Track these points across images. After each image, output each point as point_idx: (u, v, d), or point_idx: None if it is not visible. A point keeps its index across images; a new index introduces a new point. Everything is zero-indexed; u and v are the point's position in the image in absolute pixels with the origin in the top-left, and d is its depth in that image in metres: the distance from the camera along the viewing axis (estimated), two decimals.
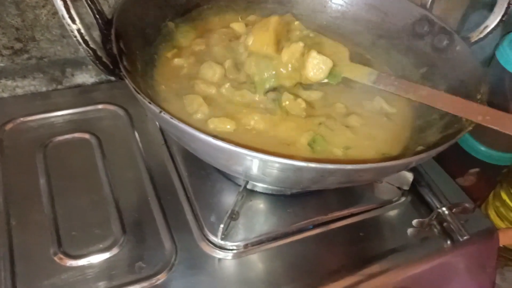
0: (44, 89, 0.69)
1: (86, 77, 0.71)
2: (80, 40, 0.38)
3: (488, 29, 0.52)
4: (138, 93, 0.38)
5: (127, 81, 0.39)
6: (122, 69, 0.41)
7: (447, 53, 0.55)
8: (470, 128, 0.42)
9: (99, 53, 0.39)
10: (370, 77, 0.52)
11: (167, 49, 0.56)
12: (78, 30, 0.37)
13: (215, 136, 0.36)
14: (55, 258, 0.47)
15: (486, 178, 0.78)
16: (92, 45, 0.38)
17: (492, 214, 0.73)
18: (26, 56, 0.65)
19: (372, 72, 0.53)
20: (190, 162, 0.57)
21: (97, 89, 0.68)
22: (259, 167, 0.38)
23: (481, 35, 0.52)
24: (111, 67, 0.40)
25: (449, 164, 0.64)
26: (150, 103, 0.37)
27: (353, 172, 0.36)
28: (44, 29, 0.64)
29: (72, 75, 0.70)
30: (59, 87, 0.70)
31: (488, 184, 0.78)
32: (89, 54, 0.38)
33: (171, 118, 0.37)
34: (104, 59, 0.40)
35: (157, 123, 0.62)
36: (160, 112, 0.37)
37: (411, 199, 0.58)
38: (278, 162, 0.35)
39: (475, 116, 0.42)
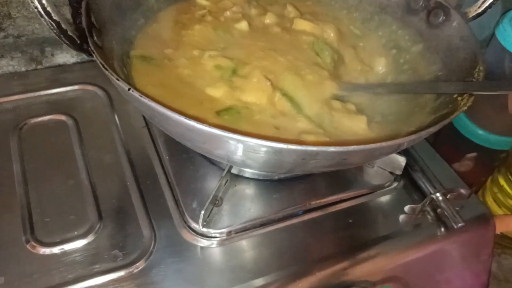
0: (23, 69, 0.66)
1: (67, 56, 0.68)
2: (42, 12, 0.35)
3: (487, 3, 0.49)
4: (106, 69, 0.35)
5: (94, 56, 0.37)
6: (91, 44, 0.38)
7: (443, 29, 0.52)
8: (465, 108, 0.39)
9: (63, 25, 0.36)
10: None
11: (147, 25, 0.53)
12: (39, 1, 0.34)
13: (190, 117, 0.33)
14: (28, 246, 0.44)
15: (483, 163, 0.76)
16: (55, 17, 0.35)
17: (490, 201, 0.71)
18: (2, 34, 0.63)
19: None
20: (172, 146, 0.54)
21: (77, 69, 0.65)
22: (238, 149, 0.35)
23: (479, 10, 0.49)
24: (79, 41, 0.37)
25: (444, 149, 0.62)
26: (118, 79, 0.35)
27: (336, 154, 0.34)
28: (20, 5, 0.61)
29: (52, 54, 0.67)
30: (39, 67, 0.67)
31: (485, 169, 0.75)
32: (52, 27, 0.35)
33: (141, 96, 0.34)
34: (70, 33, 0.37)
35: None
36: (129, 89, 0.34)
37: (404, 184, 0.55)
38: (256, 144, 0.33)
39: None
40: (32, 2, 0.34)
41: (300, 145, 0.32)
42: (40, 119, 0.56)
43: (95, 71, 0.64)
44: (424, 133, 0.35)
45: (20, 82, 0.61)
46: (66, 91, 0.60)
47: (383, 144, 0.34)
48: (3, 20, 0.61)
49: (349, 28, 0.59)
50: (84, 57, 0.69)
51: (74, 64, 0.68)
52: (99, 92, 0.60)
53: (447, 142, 0.77)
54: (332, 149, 0.32)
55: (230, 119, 0.44)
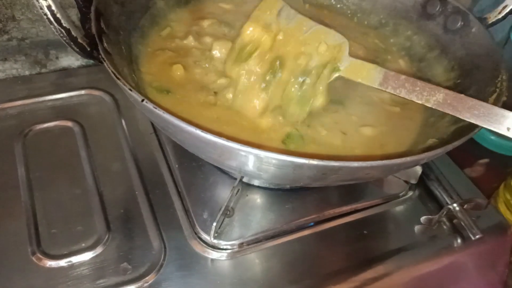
0: (27, 72, 0.65)
1: (71, 59, 0.67)
2: (51, 18, 0.33)
3: (508, 9, 0.47)
4: (118, 78, 0.34)
5: (106, 65, 0.35)
6: (101, 51, 0.36)
7: (461, 35, 0.50)
8: None
9: (73, 33, 0.34)
10: (375, 78, 0.43)
11: (158, 29, 0.52)
12: (49, 7, 0.33)
13: (206, 130, 0.32)
14: (33, 258, 0.43)
15: (495, 169, 0.74)
16: (65, 24, 0.34)
17: (502, 207, 0.69)
18: (6, 37, 0.61)
19: (378, 70, 0.43)
20: (181, 153, 0.53)
21: (83, 73, 0.64)
22: (254, 163, 0.34)
23: (500, 16, 0.48)
24: (89, 49, 0.36)
25: (456, 154, 0.60)
26: (131, 90, 0.33)
27: (359, 170, 0.32)
28: (25, 7, 0.59)
29: (57, 57, 0.66)
30: (43, 70, 0.66)
31: (497, 175, 0.73)
32: (61, 35, 0.34)
33: (155, 108, 0.32)
34: (80, 40, 0.35)
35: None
36: (143, 100, 0.33)
37: (419, 193, 0.54)
38: (276, 159, 0.31)
39: (504, 128, 0.36)
40: (41, 9, 0.32)
41: (322, 161, 0.30)
42: (45, 125, 0.54)
43: (100, 75, 0.62)
44: (450, 147, 0.34)
45: (24, 87, 0.60)
46: (72, 96, 0.59)
47: (408, 158, 0.32)
48: (7, 22, 0.60)
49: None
50: (89, 60, 0.68)
51: (79, 67, 0.67)
52: (106, 97, 0.59)
53: (459, 147, 0.75)
54: (355, 164, 0.31)
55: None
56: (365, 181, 0.50)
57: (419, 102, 0.40)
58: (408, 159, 0.33)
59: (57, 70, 0.66)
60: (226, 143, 0.31)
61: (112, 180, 0.50)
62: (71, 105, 0.58)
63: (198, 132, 0.32)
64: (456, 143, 0.35)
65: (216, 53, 0.50)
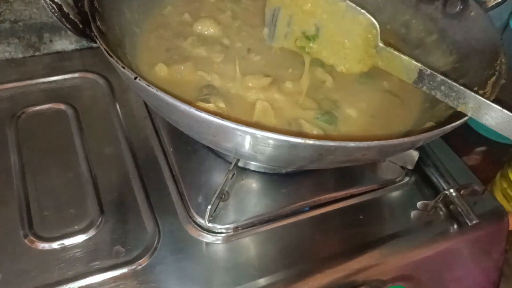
0: (20, 55, 0.64)
1: (65, 43, 0.66)
2: None
3: None
4: (111, 56, 0.33)
5: (98, 42, 0.34)
6: (94, 29, 0.35)
7: (460, 19, 0.49)
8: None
9: (65, 9, 0.34)
10: (410, 75, 0.40)
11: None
12: None
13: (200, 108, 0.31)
14: (26, 241, 0.43)
15: (492, 158, 0.74)
16: (57, 0, 0.33)
17: (499, 196, 0.69)
18: None
19: (413, 67, 0.40)
20: (176, 137, 0.52)
21: (77, 56, 0.63)
22: (249, 143, 0.33)
23: (499, 0, 0.47)
24: (81, 26, 0.35)
25: (453, 142, 0.60)
26: (124, 67, 0.32)
27: (355, 150, 0.32)
28: None
29: (51, 41, 0.65)
30: (37, 53, 0.65)
31: (494, 163, 0.73)
32: (53, 10, 0.33)
33: (148, 86, 0.32)
34: (72, 17, 0.34)
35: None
36: (136, 78, 0.32)
37: (416, 179, 0.53)
38: (271, 138, 0.31)
39: None
40: None
41: (318, 140, 0.30)
42: (38, 108, 0.54)
43: (95, 58, 0.62)
44: (448, 128, 0.33)
45: (17, 70, 0.59)
46: (65, 79, 0.58)
47: (405, 139, 0.32)
48: (0, 4, 0.58)
49: None
50: (84, 44, 0.67)
51: (73, 51, 0.66)
52: (100, 80, 0.58)
53: (455, 134, 0.75)
54: (352, 144, 0.30)
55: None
56: (362, 163, 0.49)
57: (454, 106, 0.38)
58: (406, 139, 0.32)
59: (51, 54, 0.65)
60: (221, 121, 0.31)
61: (105, 164, 0.50)
62: (64, 88, 0.57)
63: (192, 110, 0.31)
64: (453, 125, 0.34)
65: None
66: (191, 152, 0.51)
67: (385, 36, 0.54)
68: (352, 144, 0.31)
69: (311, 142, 0.30)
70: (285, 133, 0.31)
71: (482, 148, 0.74)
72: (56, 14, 0.33)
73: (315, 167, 0.41)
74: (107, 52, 0.33)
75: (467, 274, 0.53)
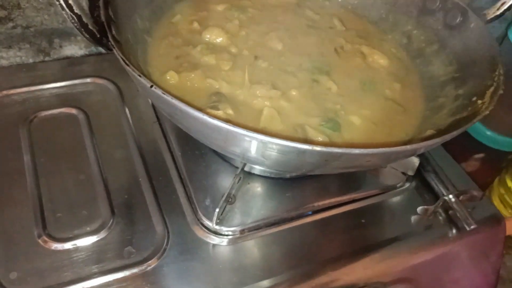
0: (30, 60, 0.65)
1: (75, 48, 0.67)
2: (63, 4, 0.34)
3: (506, 6, 0.48)
4: (127, 65, 0.35)
5: (115, 51, 0.36)
6: (111, 39, 0.37)
7: (460, 31, 0.51)
8: (487, 112, 0.39)
9: (84, 19, 0.35)
10: None
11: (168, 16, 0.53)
12: None
13: (212, 115, 0.33)
14: (40, 241, 0.44)
15: (490, 164, 0.76)
16: (76, 11, 0.35)
17: (496, 202, 0.71)
18: (10, 24, 0.62)
19: None
20: (184, 141, 0.53)
21: (86, 62, 0.64)
22: (258, 149, 0.35)
23: (498, 12, 0.49)
24: (98, 35, 0.37)
25: (451, 148, 0.61)
26: (140, 76, 0.34)
27: (360, 156, 0.33)
28: None
29: (60, 46, 0.66)
30: (47, 58, 0.67)
31: (492, 170, 0.75)
32: (73, 21, 0.35)
33: (163, 93, 0.33)
34: (90, 27, 0.36)
35: (149, 99, 0.58)
36: (151, 86, 0.34)
37: (416, 185, 0.55)
38: (280, 144, 0.32)
39: None
40: None
41: (325, 147, 0.32)
42: (50, 112, 0.55)
43: (104, 64, 0.63)
44: (448, 136, 0.35)
45: (29, 74, 0.60)
46: (76, 84, 0.59)
47: (408, 147, 0.33)
48: (12, 10, 0.60)
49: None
50: (92, 49, 0.69)
51: (82, 56, 0.68)
52: (110, 85, 0.60)
53: (454, 141, 0.76)
54: (356, 151, 0.32)
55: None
56: (365, 169, 0.51)
57: None
58: (408, 147, 0.34)
59: (61, 59, 0.67)
60: (233, 128, 0.32)
61: (116, 167, 0.51)
62: (75, 93, 0.58)
63: (205, 117, 0.33)
64: (454, 133, 0.36)
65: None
66: (198, 156, 0.52)
67: (388, 45, 0.56)
68: (357, 151, 0.32)
69: (318, 148, 0.32)
70: (292, 140, 0.32)
71: (480, 155, 0.75)
72: (75, 25, 0.35)
73: (321, 172, 0.43)
74: (123, 60, 0.35)
75: (465, 277, 0.55)
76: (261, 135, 0.32)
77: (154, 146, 0.54)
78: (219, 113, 0.42)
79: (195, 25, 0.53)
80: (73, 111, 0.56)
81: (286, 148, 0.33)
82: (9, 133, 0.52)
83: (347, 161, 0.35)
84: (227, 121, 0.33)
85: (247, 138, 0.33)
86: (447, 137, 0.35)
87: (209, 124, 0.33)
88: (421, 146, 0.35)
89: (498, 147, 0.73)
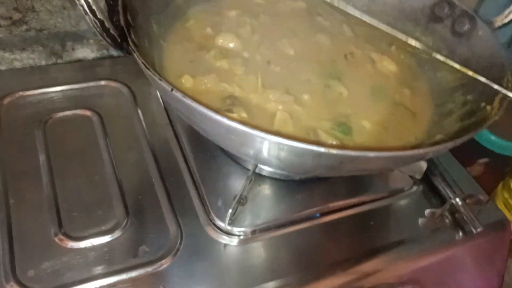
0: (43, 62, 0.66)
1: (87, 51, 0.68)
2: (87, 10, 0.35)
3: None
4: (148, 69, 0.36)
5: (135, 56, 0.37)
6: (131, 43, 0.38)
7: (468, 38, 0.52)
8: (496, 117, 0.40)
9: (106, 24, 0.36)
10: None
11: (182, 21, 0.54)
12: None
13: (229, 117, 0.34)
14: (56, 239, 0.45)
15: (495, 169, 0.77)
16: (99, 16, 0.36)
17: (500, 206, 0.72)
18: (25, 27, 0.63)
19: None
20: (196, 143, 0.55)
21: (99, 65, 0.65)
22: (274, 150, 0.36)
23: (506, 20, 0.50)
24: (119, 40, 0.38)
25: (456, 153, 0.62)
26: (160, 79, 0.35)
27: (375, 160, 0.34)
28: None
29: (73, 49, 0.67)
30: (59, 61, 0.67)
31: (497, 175, 0.76)
32: (96, 26, 0.36)
33: (183, 97, 0.34)
34: (112, 31, 0.37)
35: (161, 101, 0.59)
36: (172, 90, 0.35)
37: (423, 188, 0.56)
38: (298, 147, 0.33)
39: None
40: (78, 0, 0.34)
41: (341, 150, 0.33)
42: (64, 113, 0.56)
43: (117, 67, 0.64)
44: (459, 141, 0.36)
45: (43, 76, 0.61)
46: (89, 87, 0.60)
47: (421, 150, 0.34)
48: (26, 13, 0.61)
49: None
50: (104, 52, 0.70)
51: (94, 59, 0.69)
52: (123, 88, 0.61)
53: (459, 146, 0.78)
54: (371, 154, 0.33)
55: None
56: (375, 172, 0.52)
57: None
58: (420, 151, 0.35)
59: (73, 61, 0.68)
60: (251, 131, 0.33)
61: (129, 168, 0.52)
62: (89, 95, 0.59)
63: (224, 120, 0.34)
64: (464, 138, 0.37)
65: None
66: (210, 158, 0.53)
67: (396, 53, 0.57)
68: (372, 154, 0.33)
69: (334, 151, 0.33)
70: (308, 143, 0.33)
71: (485, 160, 0.76)
72: (98, 29, 0.36)
73: (332, 174, 0.44)
74: (144, 65, 0.36)
75: (470, 279, 0.55)
76: (279, 137, 0.33)
77: (167, 148, 0.55)
78: (234, 115, 0.43)
79: (208, 30, 0.54)
80: (87, 113, 0.57)
81: (303, 150, 0.34)
82: (24, 134, 0.53)
83: (360, 164, 0.36)
84: (243, 123, 0.34)
85: (265, 140, 0.34)
86: (458, 141, 0.36)
87: (228, 126, 0.34)
88: (431, 150, 0.36)
89: (502, 152, 0.74)
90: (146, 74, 0.37)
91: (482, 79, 0.41)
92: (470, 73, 0.42)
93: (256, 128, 0.33)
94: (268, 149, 0.36)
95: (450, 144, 0.36)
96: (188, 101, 0.34)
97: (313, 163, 0.36)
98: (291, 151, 0.35)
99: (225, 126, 0.34)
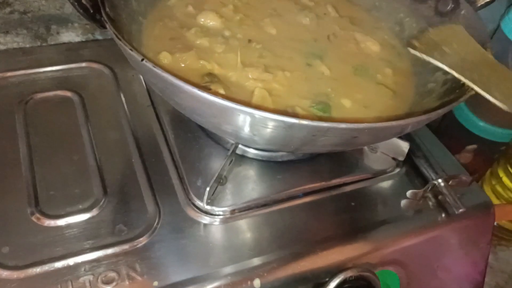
0: (28, 46, 0.66)
1: (72, 35, 0.68)
2: None
3: None
4: (119, 39, 0.35)
5: (108, 27, 0.37)
6: (104, 15, 0.38)
7: (452, 17, 0.52)
8: (472, 93, 0.39)
9: None
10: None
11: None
12: None
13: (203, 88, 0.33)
14: (33, 218, 0.44)
15: (483, 155, 0.76)
16: None
17: (488, 192, 0.71)
18: (8, 9, 0.62)
19: None
20: (177, 125, 0.54)
21: (83, 47, 0.65)
22: (248, 123, 0.36)
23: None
24: (92, 11, 0.37)
25: (445, 140, 0.62)
26: (131, 49, 0.35)
27: (347, 131, 0.34)
28: None
29: (58, 32, 0.67)
30: (44, 44, 0.67)
31: (485, 161, 0.76)
32: None
33: (154, 67, 0.34)
34: (84, 1, 0.37)
35: (143, 83, 0.59)
36: (142, 60, 0.34)
37: (406, 170, 0.55)
38: (269, 118, 0.33)
39: None
40: None
41: (311, 121, 0.32)
42: (45, 94, 0.56)
43: (100, 49, 0.64)
44: (433, 115, 0.35)
45: (26, 58, 0.61)
46: (71, 68, 0.60)
47: (393, 123, 0.34)
48: None
49: None
50: (89, 36, 0.69)
51: (79, 42, 0.68)
52: (105, 70, 0.60)
53: (448, 133, 0.78)
54: (343, 125, 0.33)
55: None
56: (354, 147, 0.51)
57: None
58: (394, 123, 0.34)
59: (58, 45, 0.67)
60: (222, 101, 0.33)
61: (109, 148, 0.52)
62: (71, 76, 0.59)
63: (195, 90, 0.33)
64: (439, 112, 0.37)
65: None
66: (191, 139, 0.53)
67: (381, 32, 0.57)
68: (343, 125, 0.33)
69: (305, 122, 0.32)
70: (281, 114, 0.33)
71: (473, 146, 0.76)
72: None
73: (309, 150, 0.44)
74: (115, 35, 0.36)
75: (454, 262, 0.55)
76: (251, 108, 0.33)
77: (148, 129, 0.54)
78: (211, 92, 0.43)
79: (190, 8, 0.53)
80: (68, 94, 0.56)
81: (275, 122, 0.34)
82: (4, 113, 0.53)
83: (334, 137, 0.35)
84: (211, 93, 0.33)
85: (237, 112, 0.34)
86: (433, 115, 0.36)
87: (200, 98, 0.34)
88: (408, 123, 0.36)
89: (491, 138, 0.74)
90: (118, 44, 0.37)
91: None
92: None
93: (227, 99, 0.33)
94: (241, 120, 0.35)
95: (425, 117, 0.36)
96: (158, 71, 0.34)
97: (286, 136, 0.36)
98: (264, 123, 0.34)
99: (196, 97, 0.34)
